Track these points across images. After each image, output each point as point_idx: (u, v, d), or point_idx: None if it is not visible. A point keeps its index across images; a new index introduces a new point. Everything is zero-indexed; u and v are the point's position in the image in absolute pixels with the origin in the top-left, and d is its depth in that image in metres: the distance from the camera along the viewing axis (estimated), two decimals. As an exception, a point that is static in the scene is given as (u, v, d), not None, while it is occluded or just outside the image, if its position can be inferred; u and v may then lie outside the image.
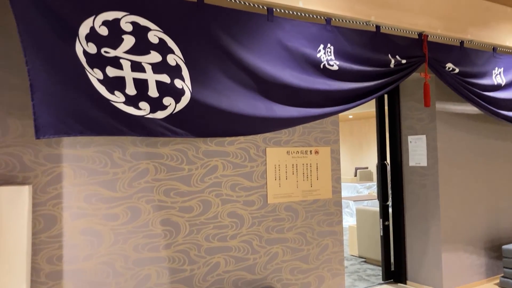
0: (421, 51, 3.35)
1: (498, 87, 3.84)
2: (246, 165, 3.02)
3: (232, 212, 2.95)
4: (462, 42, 3.64)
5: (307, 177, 3.31)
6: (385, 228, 4.47)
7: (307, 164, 3.32)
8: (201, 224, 2.82)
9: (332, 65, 2.88)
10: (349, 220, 8.43)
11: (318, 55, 2.83)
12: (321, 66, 2.84)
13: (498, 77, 3.84)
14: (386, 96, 4.55)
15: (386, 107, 4.56)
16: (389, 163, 4.53)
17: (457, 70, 3.54)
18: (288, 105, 2.70)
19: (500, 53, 3.92)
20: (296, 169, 3.27)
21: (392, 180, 4.48)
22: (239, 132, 2.54)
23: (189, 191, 2.79)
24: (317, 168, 3.36)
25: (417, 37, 3.37)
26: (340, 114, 14.72)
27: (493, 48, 3.88)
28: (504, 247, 4.13)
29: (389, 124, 4.55)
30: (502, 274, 4.17)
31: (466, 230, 4.23)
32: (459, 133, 4.24)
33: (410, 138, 4.36)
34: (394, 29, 3.26)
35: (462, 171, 4.23)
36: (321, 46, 2.86)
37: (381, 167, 4.50)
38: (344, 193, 14.51)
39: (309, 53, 2.80)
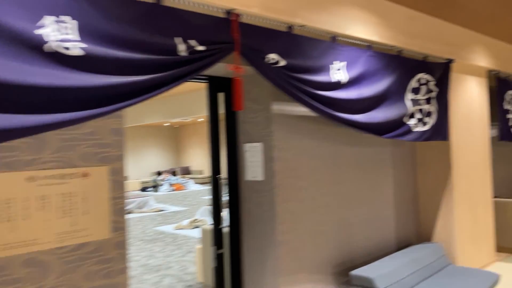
0: (230, 36, 2.49)
1: (337, 85, 3.16)
2: None
3: None
4: (290, 27, 2.88)
5: (67, 213, 2.29)
6: (220, 257, 3.63)
7: (67, 193, 2.29)
8: None
9: (69, 48, 1.87)
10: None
11: (39, 32, 1.80)
12: (45, 48, 1.81)
13: (338, 73, 3.16)
14: (223, 94, 3.69)
15: (223, 108, 3.70)
16: (224, 177, 3.69)
17: (283, 63, 2.76)
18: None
19: (341, 43, 3.25)
20: (47, 202, 2.22)
21: (229, 198, 3.65)
22: None
23: None
24: (85, 198, 2.35)
25: (224, 16, 2.51)
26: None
27: (332, 38, 3.19)
28: (352, 273, 3.51)
29: (226, 128, 3.71)
30: (351, 304, 3.57)
31: (310, 254, 3.54)
32: (301, 139, 3.53)
33: (246, 146, 3.55)
34: (188, 2, 2.36)
35: (305, 184, 3.53)
36: (49, 18, 1.84)
37: (214, 182, 3.64)
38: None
39: (21, 27, 1.76)
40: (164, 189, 16.17)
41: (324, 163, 3.70)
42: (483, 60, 4.88)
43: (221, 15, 2.48)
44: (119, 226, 2.48)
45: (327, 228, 3.70)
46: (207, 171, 21.15)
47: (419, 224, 4.73)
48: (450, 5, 3.86)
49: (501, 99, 5.30)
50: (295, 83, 2.82)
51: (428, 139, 3.99)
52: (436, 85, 4.14)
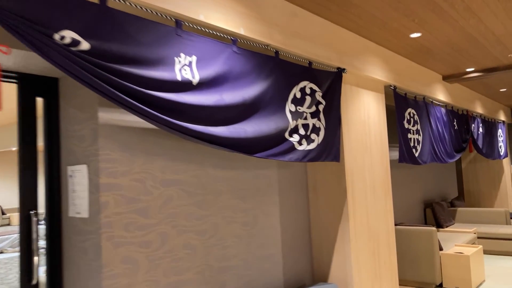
0: (-22, -7, 1.58)
1: (187, 86, 2.35)
2: None
3: None
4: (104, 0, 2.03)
5: None
6: (30, 329, 2.57)
7: None
8: None
9: None
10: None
11: None
12: None
13: (185, 69, 2.36)
14: (42, 100, 2.72)
15: (41, 118, 2.73)
16: (42, 214, 2.69)
17: (86, 46, 1.89)
18: None
19: (192, 32, 2.46)
20: None
21: (47, 242, 2.64)
22: None
23: None
24: None
25: (-32, -39, 1.59)
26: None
27: (177, 22, 2.39)
28: (216, 337, 2.65)
29: (45, 146, 2.72)
30: None
31: (162, 316, 2.62)
32: (148, 159, 2.65)
33: (70, 169, 2.60)
34: None
35: (152, 221, 2.64)
36: None
37: (24, 220, 2.61)
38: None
39: None
40: (58, 222, 14.25)
41: (184, 192, 2.84)
42: (379, 73, 4.42)
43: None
44: None
45: (188, 278, 2.81)
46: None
47: (313, 261, 4.03)
48: (339, 2, 3.29)
49: (401, 117, 4.88)
50: (112, 77, 1.95)
51: (315, 159, 3.32)
52: (324, 96, 3.52)
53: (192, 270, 2.85)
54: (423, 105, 5.44)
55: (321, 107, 3.48)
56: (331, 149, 3.52)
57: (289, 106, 3.13)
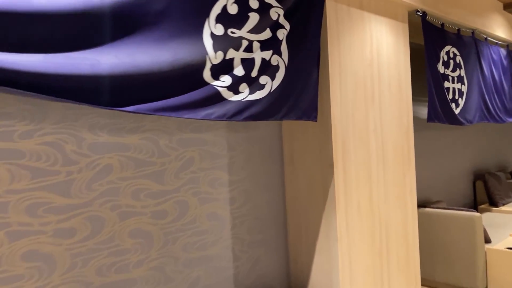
0: None
1: None
2: None
3: None
4: None
5: None
6: None
7: None
8: None
9: None
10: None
11: None
12: None
13: None
14: None
15: None
16: None
17: None
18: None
19: None
20: None
21: None
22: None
23: None
24: None
25: None
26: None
27: None
28: None
29: None
30: None
31: None
32: None
33: None
34: None
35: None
36: None
37: None
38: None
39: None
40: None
41: (26, 170, 1.74)
42: (397, -10, 2.98)
43: None
44: None
45: (37, 303, 1.75)
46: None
47: (290, 262, 2.86)
48: None
49: (434, 57, 3.43)
50: None
51: (262, 116, 2.07)
52: (288, 17, 2.22)
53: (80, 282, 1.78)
54: (471, 43, 3.90)
55: (281, 34, 2.18)
56: (297, 101, 2.24)
57: (211, 27, 1.88)
